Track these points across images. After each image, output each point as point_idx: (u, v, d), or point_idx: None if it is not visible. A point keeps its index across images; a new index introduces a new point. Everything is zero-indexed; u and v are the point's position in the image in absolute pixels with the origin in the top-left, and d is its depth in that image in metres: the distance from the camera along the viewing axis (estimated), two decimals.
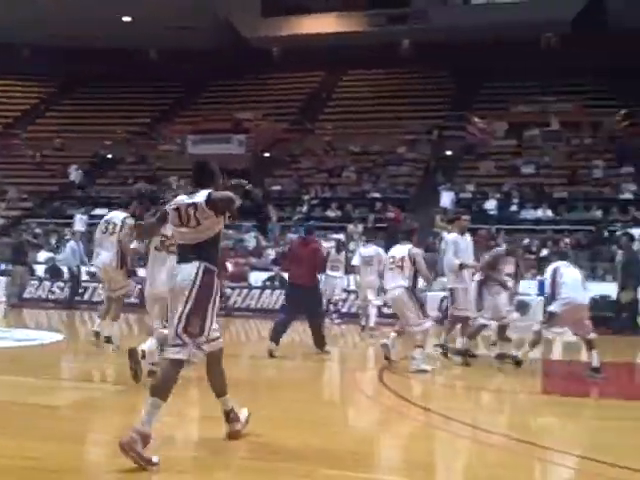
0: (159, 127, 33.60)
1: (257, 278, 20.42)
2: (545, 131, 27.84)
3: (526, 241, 21.47)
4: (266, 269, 21.14)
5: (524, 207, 24.01)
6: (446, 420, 6.20)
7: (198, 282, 4.80)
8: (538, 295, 16.34)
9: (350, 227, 23.01)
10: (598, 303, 15.63)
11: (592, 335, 9.24)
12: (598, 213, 23.15)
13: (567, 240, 21.47)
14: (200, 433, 5.66)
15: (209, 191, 4.95)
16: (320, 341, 10.61)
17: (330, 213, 25.08)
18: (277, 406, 6.61)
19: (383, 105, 32.01)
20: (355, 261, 15.15)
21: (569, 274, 9.38)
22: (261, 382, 8.45)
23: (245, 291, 19.44)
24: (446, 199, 24.30)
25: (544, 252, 21.42)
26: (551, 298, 9.42)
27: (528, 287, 17.31)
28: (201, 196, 4.92)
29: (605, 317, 15.75)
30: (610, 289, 16.58)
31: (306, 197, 25.93)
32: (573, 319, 9.28)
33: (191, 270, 4.83)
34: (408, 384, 8.49)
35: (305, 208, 25.16)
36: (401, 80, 33.91)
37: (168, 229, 6.16)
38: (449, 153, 29.13)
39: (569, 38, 31.22)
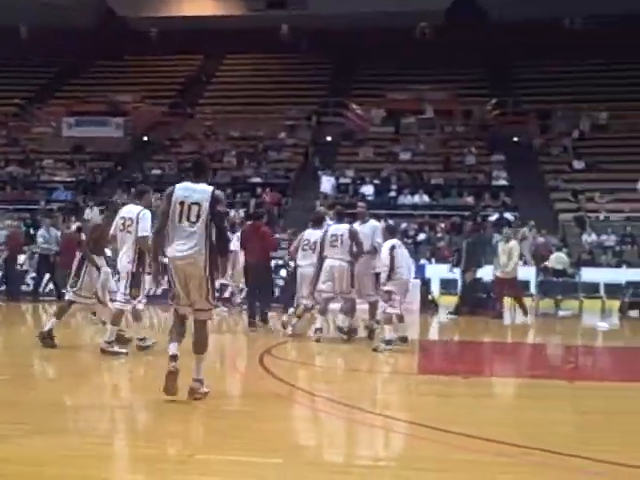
0: (32, 108, 32.29)
1: None
2: (420, 119, 28.59)
3: (404, 225, 22.05)
4: None
5: (402, 193, 24.61)
6: (324, 401, 6.35)
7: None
8: (415, 278, 16.78)
9: (232, 212, 22.92)
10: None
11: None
12: (470, 199, 24.03)
13: (442, 225, 22.23)
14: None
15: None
16: (264, 316, 12.09)
17: None
18: (152, 392, 6.56)
19: (263, 90, 32.01)
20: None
21: (403, 252, 10.15)
22: (138, 369, 8.34)
23: None
24: (326, 184, 24.61)
25: (421, 236, 22.12)
26: (389, 275, 9.96)
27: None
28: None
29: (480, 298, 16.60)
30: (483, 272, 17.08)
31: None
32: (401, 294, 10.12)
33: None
34: (287, 367, 8.61)
35: None
36: (280, 65, 33.99)
37: None
38: (328, 139, 29.46)
39: (443, 28, 32.15)
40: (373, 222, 11.26)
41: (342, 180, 25.76)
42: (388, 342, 9.83)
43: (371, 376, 8.44)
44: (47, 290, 18.10)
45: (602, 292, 18.48)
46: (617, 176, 25.11)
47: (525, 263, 19.13)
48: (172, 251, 6.19)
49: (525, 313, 15.84)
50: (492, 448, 4.82)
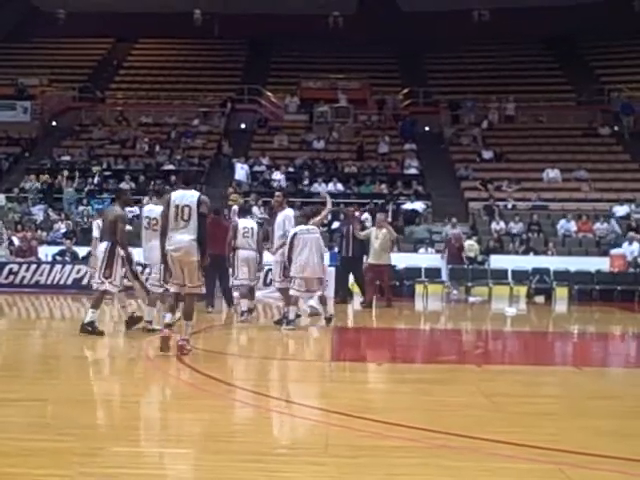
0: None
1: (47, 252, 19.49)
2: (334, 107, 28.75)
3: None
4: (56, 243, 20.27)
5: (316, 181, 24.71)
6: (236, 390, 6.36)
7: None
8: (330, 266, 16.95)
9: (145, 199, 22.55)
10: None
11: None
12: (384, 187, 24.34)
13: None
14: None
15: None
16: (229, 299, 13.37)
17: (124, 185, 24.42)
18: (66, 383, 6.44)
19: (176, 76, 31.62)
20: None
21: (306, 238, 10.74)
22: (51, 359, 8.16)
23: (34, 266, 18.49)
24: (240, 172, 24.50)
25: (335, 224, 22.27)
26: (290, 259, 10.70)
27: None
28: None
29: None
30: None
31: (97, 168, 25.03)
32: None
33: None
34: (205, 358, 8.57)
35: (97, 180, 24.30)
36: (194, 51, 33.63)
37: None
38: (243, 126, 29.32)
39: (355, 17, 32.37)
40: (286, 211, 11.34)
41: (256, 168, 25.68)
42: (289, 322, 10.63)
43: (285, 363, 8.48)
44: None
45: (510, 279, 19.06)
46: (524, 166, 25.93)
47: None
48: (170, 244, 7.97)
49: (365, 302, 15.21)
50: (402, 433, 4.93)
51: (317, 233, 11.00)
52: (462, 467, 4.26)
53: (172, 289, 8.18)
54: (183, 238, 7.90)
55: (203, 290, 8.47)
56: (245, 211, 13.77)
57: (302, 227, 10.88)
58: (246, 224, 12.27)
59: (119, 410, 5.52)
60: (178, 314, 8.39)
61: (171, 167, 25.54)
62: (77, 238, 20.36)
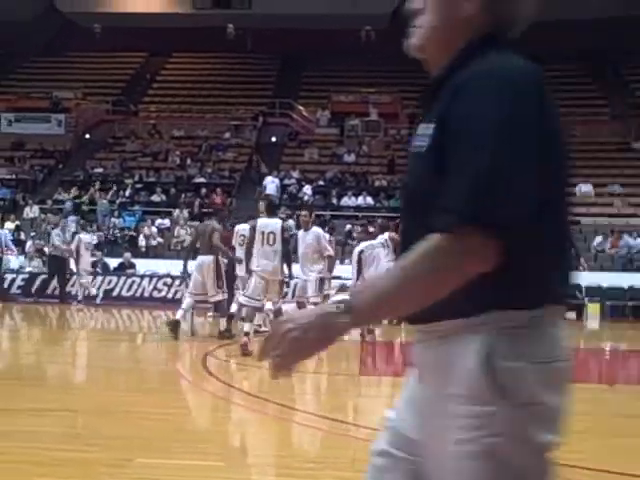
0: None
1: None
2: (365, 121, 28.78)
3: (347, 227, 22.20)
4: None
5: (345, 194, 24.72)
6: (267, 404, 6.36)
7: None
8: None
9: (176, 212, 22.77)
10: None
11: None
12: None
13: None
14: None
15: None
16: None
17: (155, 198, 24.68)
18: (91, 395, 6.49)
19: (208, 90, 31.85)
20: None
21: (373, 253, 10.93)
22: (73, 371, 8.24)
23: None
24: (271, 186, 24.56)
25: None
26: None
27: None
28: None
29: None
30: None
31: (130, 181, 25.31)
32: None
33: None
34: (231, 369, 8.59)
35: (129, 192, 24.56)
36: (226, 65, 33.87)
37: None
38: (274, 139, 29.44)
39: (387, 32, 32.38)
40: (315, 229, 11.19)
41: (286, 181, 25.77)
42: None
43: (313, 377, 8.47)
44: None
45: None
46: None
47: None
48: (260, 265, 9.12)
49: None
50: None
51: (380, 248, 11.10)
52: None
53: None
54: (269, 262, 9.09)
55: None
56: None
57: (367, 243, 11.30)
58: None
59: (147, 422, 5.54)
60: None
61: (202, 180, 25.72)
62: (107, 249, 20.58)
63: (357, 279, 11.04)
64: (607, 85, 31.43)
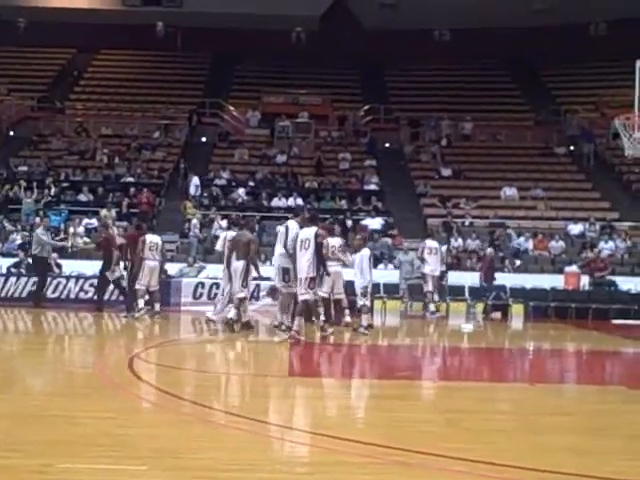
0: None
1: (1, 264, 19.16)
2: (295, 122, 28.85)
3: (278, 228, 22.13)
4: (11, 254, 19.94)
5: (276, 195, 24.71)
6: (193, 406, 6.31)
7: None
8: None
9: (103, 212, 22.36)
10: None
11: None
12: (344, 203, 24.42)
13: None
14: None
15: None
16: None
17: (82, 197, 24.18)
18: (13, 400, 6.33)
19: (137, 88, 31.43)
20: (218, 246, 14.46)
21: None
22: (3, 373, 8.01)
23: None
24: (194, 185, 24.39)
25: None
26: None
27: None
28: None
29: None
30: None
31: (55, 180, 24.68)
32: None
33: None
34: (158, 372, 8.50)
35: (54, 191, 23.96)
36: (156, 63, 33.48)
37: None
38: (204, 139, 29.25)
39: (318, 34, 32.58)
40: (364, 251, 13.83)
41: (217, 182, 25.62)
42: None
43: (241, 379, 8.45)
44: None
45: (467, 295, 19.22)
46: (482, 184, 26.27)
47: None
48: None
49: None
50: (358, 449, 4.94)
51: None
52: None
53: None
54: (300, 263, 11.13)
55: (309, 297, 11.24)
56: (235, 224, 14.99)
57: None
58: (152, 239, 14.91)
59: (70, 426, 5.43)
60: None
61: (130, 179, 25.33)
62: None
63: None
64: (530, 92, 32.27)
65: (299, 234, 11.43)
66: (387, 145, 29.10)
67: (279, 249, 12.04)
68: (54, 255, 18.79)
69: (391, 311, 18.48)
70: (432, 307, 17.52)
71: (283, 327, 11.88)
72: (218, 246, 14.58)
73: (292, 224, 11.98)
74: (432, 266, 17.66)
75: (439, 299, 18.05)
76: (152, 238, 15.11)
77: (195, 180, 24.53)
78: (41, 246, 17.05)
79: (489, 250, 20.81)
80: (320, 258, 11.33)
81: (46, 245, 17.16)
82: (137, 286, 14.76)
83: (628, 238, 22.72)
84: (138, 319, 14.43)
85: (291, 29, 32.90)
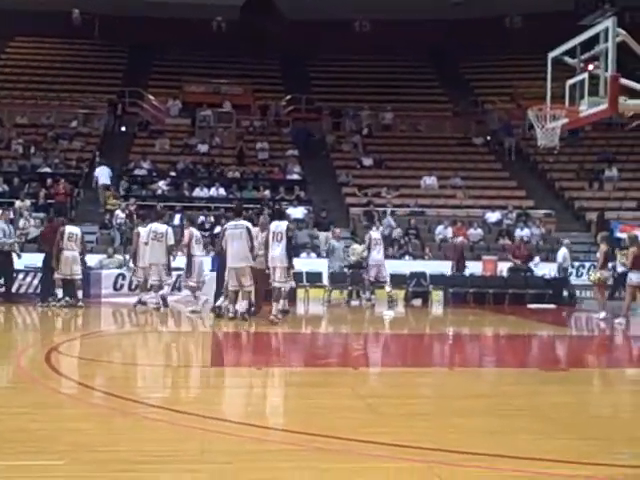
0: None
1: None
2: (217, 112, 28.64)
3: (201, 219, 22.02)
4: None
5: (197, 185, 24.50)
6: (112, 399, 6.23)
7: None
8: (211, 270, 16.80)
9: (18, 202, 21.77)
10: None
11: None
12: (267, 192, 24.38)
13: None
14: None
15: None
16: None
17: None
18: None
19: (53, 76, 30.65)
20: (144, 237, 15.09)
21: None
22: None
23: None
24: (104, 175, 23.89)
25: (217, 229, 22.13)
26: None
27: None
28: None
29: None
30: None
31: None
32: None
33: None
34: (75, 365, 8.36)
35: None
36: (73, 51, 32.71)
37: None
38: (123, 129, 28.74)
39: (239, 23, 32.40)
40: None
41: (137, 172, 25.23)
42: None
43: (163, 370, 8.38)
44: None
45: (388, 282, 19.45)
46: (402, 173, 26.64)
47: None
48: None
49: None
50: (279, 437, 4.98)
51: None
52: (335, 469, 4.35)
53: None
54: (275, 253, 12.55)
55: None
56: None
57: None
58: (71, 230, 15.40)
59: None
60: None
61: (47, 170, 24.67)
62: None
63: None
64: (449, 83, 32.84)
65: (270, 228, 12.94)
66: (309, 135, 29.16)
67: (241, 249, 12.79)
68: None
69: (314, 299, 18.57)
70: (368, 294, 17.86)
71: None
72: (144, 237, 14.99)
73: (248, 224, 13.09)
74: (377, 256, 18.01)
75: (390, 288, 18.27)
76: (71, 229, 15.49)
77: (103, 170, 23.91)
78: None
79: (460, 239, 21.22)
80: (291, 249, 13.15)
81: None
82: (56, 275, 15.05)
83: (542, 225, 23.45)
84: (56, 309, 14.51)
85: (212, 18, 32.59)
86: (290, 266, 13.09)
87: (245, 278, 12.80)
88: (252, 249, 12.81)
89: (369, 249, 18.01)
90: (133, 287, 17.01)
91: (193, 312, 14.42)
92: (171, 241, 14.96)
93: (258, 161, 26.74)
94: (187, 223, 16.07)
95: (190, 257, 14.94)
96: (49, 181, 23.65)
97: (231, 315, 12.92)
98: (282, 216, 13.51)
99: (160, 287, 15.13)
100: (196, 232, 15.50)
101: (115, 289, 17.77)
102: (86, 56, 32.50)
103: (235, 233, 12.87)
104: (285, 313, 13.39)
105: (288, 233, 12.96)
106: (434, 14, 32.01)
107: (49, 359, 8.17)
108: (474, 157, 28.23)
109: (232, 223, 13.26)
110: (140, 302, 15.09)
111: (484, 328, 14.66)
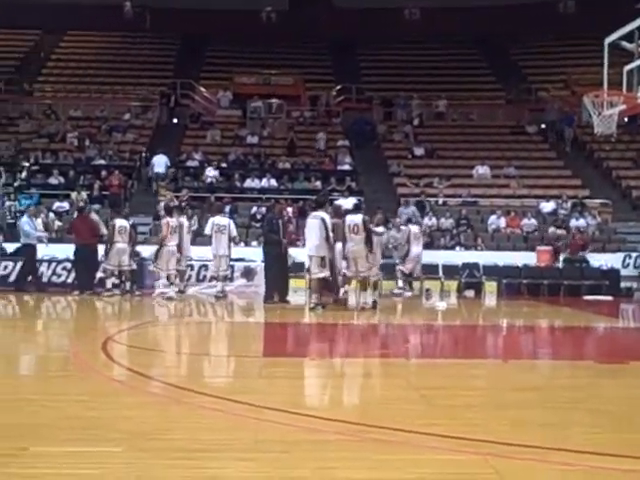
0: None
1: None
2: (267, 103, 28.71)
3: (253, 210, 22.16)
4: None
5: (249, 176, 24.62)
6: (168, 387, 6.30)
7: None
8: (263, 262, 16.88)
9: (73, 194, 22.18)
10: None
11: None
12: (318, 183, 24.38)
13: (289, 209, 22.40)
14: None
15: None
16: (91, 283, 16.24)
17: (53, 180, 23.93)
18: None
19: (106, 69, 31.09)
20: (207, 229, 16.00)
21: None
22: None
23: None
24: (160, 164, 24.16)
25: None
26: None
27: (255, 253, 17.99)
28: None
29: None
30: None
31: (26, 163, 24.37)
32: None
33: None
34: (131, 354, 8.48)
35: (25, 174, 23.65)
36: (125, 44, 33.14)
37: None
38: (175, 121, 29.03)
39: (288, 13, 32.40)
40: None
41: (189, 163, 25.48)
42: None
43: (217, 360, 8.45)
44: None
45: (441, 273, 19.34)
46: (454, 162, 26.37)
47: None
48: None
49: None
50: (333, 427, 4.97)
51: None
52: (390, 460, 4.32)
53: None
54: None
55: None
56: (169, 209, 16.64)
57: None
58: (121, 223, 16.02)
59: (43, 409, 5.40)
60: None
61: (102, 162, 25.08)
62: (4, 234, 19.83)
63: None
64: (501, 70, 32.39)
65: (345, 220, 13.44)
66: (366, 123, 28.98)
67: (315, 239, 13.27)
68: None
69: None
70: (403, 284, 17.87)
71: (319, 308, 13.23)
72: (207, 230, 15.91)
73: (324, 215, 13.42)
74: (417, 250, 17.97)
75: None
76: (121, 222, 16.18)
77: (160, 158, 24.23)
78: (26, 235, 17.05)
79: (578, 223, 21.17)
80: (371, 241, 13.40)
81: (30, 234, 17.08)
82: (106, 266, 15.95)
83: (598, 215, 22.98)
84: (107, 299, 15.07)
85: (261, 9, 32.66)
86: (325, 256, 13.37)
87: (321, 266, 13.23)
88: (327, 239, 13.15)
89: (408, 242, 17.92)
90: (201, 278, 17.74)
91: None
92: (234, 233, 15.87)
93: (311, 152, 26.71)
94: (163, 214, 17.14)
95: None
96: (103, 173, 24.05)
97: (312, 305, 13.40)
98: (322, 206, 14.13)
99: (225, 277, 16.03)
100: (186, 222, 16.54)
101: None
102: (138, 49, 32.90)
103: (313, 223, 13.32)
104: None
105: (366, 225, 13.42)
106: (484, 1, 31.56)
107: (105, 348, 8.31)
108: (528, 146, 27.79)
109: (312, 214, 13.72)
110: (222, 292, 15.83)
111: (538, 320, 14.46)
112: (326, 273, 13.35)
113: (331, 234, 13.28)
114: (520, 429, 5.07)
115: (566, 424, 5.31)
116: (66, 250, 17.36)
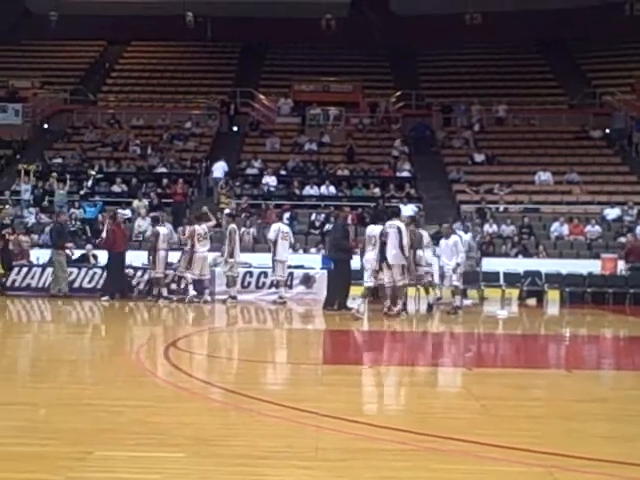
0: None
1: (38, 256, 19.34)
2: (326, 110, 28.77)
3: (313, 217, 22.24)
4: (48, 246, 20.12)
5: (307, 184, 24.70)
6: (228, 394, 6.35)
7: None
8: (322, 269, 16.95)
9: (135, 202, 22.56)
10: None
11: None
12: (377, 190, 24.32)
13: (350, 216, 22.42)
14: None
15: None
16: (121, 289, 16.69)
17: (116, 188, 24.41)
18: (49, 388, 6.42)
19: (168, 79, 31.61)
20: (271, 235, 16.18)
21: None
22: (37, 364, 8.13)
23: (25, 269, 18.26)
24: (219, 169, 24.40)
25: (328, 227, 22.25)
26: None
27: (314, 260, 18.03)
28: None
29: None
30: None
31: (92, 172, 24.88)
32: None
33: None
34: (193, 360, 8.56)
35: (90, 183, 24.16)
36: (186, 54, 33.65)
37: None
38: (235, 129, 29.32)
39: (348, 20, 32.45)
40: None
41: (248, 171, 25.71)
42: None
43: (276, 367, 8.48)
44: None
45: (502, 281, 19.07)
46: (516, 169, 26.00)
47: None
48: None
49: None
50: (392, 436, 4.94)
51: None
52: (451, 470, 4.27)
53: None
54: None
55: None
56: (232, 216, 16.98)
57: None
58: (201, 230, 15.88)
59: (106, 414, 5.50)
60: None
61: (163, 170, 25.49)
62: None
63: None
64: (564, 74, 31.83)
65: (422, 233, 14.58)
66: (427, 129, 28.81)
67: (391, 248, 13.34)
68: (88, 246, 18.94)
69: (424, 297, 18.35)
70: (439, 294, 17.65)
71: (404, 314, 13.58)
72: (271, 235, 16.08)
73: (400, 224, 13.55)
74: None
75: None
76: (200, 229, 16.04)
77: (220, 165, 24.49)
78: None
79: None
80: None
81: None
82: (187, 275, 15.97)
83: None
84: (181, 305, 15.46)
85: (321, 16, 32.78)
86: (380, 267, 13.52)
87: (395, 274, 13.36)
88: (402, 248, 13.24)
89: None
90: (260, 285, 17.56)
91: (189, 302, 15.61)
92: (292, 239, 16.34)
93: (369, 159, 26.64)
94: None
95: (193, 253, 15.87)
96: (165, 181, 24.42)
97: (392, 312, 13.46)
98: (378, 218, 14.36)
99: (285, 284, 16.36)
100: (199, 229, 16.07)
101: (242, 286, 17.75)
102: (199, 58, 33.38)
103: (390, 232, 13.42)
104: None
105: (381, 238, 13.41)
106: (547, 4, 31.10)
107: (167, 354, 8.41)
108: (592, 151, 27.25)
109: (388, 223, 13.78)
110: (280, 298, 16.03)
111: (603, 329, 14.14)
112: (406, 280, 13.61)
113: (405, 242, 13.33)
114: (585, 442, 4.96)
115: (633, 437, 5.17)
116: (128, 257, 17.59)
